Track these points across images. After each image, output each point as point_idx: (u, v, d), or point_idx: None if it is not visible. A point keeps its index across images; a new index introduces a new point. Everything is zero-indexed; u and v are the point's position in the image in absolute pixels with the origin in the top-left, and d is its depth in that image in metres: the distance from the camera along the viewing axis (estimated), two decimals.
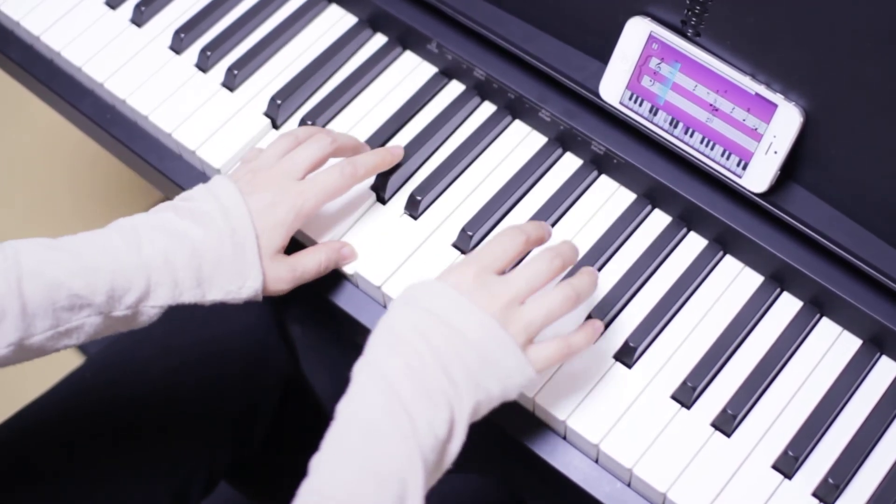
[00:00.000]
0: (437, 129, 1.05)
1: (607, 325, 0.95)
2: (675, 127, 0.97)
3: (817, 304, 0.95)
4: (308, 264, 0.96)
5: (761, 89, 0.93)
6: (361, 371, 0.82)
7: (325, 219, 1.01)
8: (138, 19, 1.14)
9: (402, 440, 0.77)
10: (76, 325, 0.88)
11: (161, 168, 1.09)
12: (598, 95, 1.00)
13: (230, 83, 1.10)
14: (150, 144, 1.10)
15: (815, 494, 0.88)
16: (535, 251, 0.92)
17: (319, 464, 0.78)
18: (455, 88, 1.08)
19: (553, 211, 1.00)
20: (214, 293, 0.91)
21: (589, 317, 0.94)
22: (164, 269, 0.89)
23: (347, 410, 0.80)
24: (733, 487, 0.88)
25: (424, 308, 0.83)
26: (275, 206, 0.93)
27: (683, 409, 0.92)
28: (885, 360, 0.93)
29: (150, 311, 0.90)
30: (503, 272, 0.87)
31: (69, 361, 1.70)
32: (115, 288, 0.88)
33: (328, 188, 0.95)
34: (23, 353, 0.87)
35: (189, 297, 0.90)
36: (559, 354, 0.86)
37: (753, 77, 0.93)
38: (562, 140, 1.04)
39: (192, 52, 1.13)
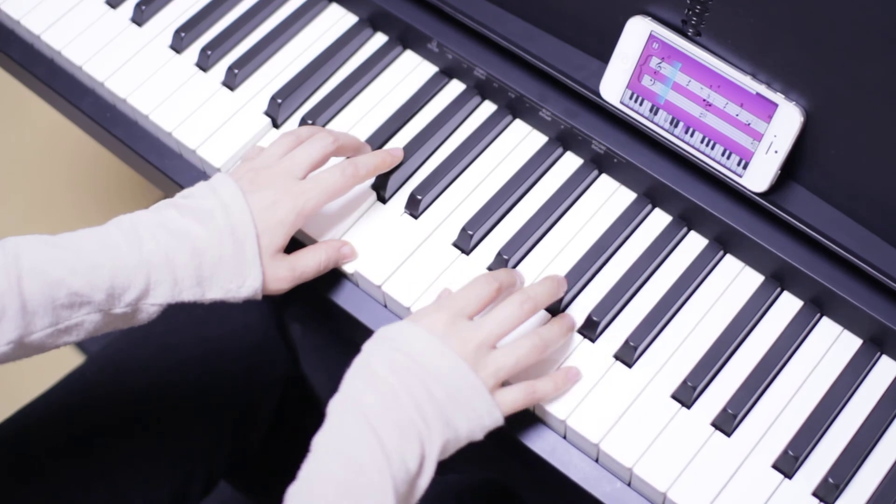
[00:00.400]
0: (438, 129, 1.05)
1: (607, 325, 0.95)
2: (676, 126, 0.97)
3: (817, 304, 0.95)
4: (308, 263, 0.96)
5: (762, 89, 0.93)
6: (338, 405, 0.83)
7: (325, 218, 1.01)
8: (139, 18, 1.14)
9: (377, 471, 0.79)
10: (76, 323, 0.88)
11: (161, 167, 1.09)
12: (598, 95, 1.00)
13: (230, 82, 1.10)
14: (151, 143, 1.10)
15: (815, 494, 0.88)
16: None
17: (296, 493, 0.79)
18: (455, 88, 1.08)
19: (553, 210, 1.00)
20: (214, 292, 0.91)
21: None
22: (164, 268, 0.89)
23: (324, 443, 0.82)
24: (733, 487, 0.88)
25: (398, 349, 0.85)
26: (276, 205, 0.93)
27: (683, 409, 0.92)
28: (885, 360, 0.93)
29: (150, 308, 0.90)
30: (473, 318, 0.89)
31: (69, 360, 1.70)
32: (114, 286, 0.87)
33: (329, 188, 0.95)
34: (22, 350, 0.87)
35: (189, 295, 0.90)
36: (524, 401, 0.89)
37: (754, 76, 0.93)
38: (562, 139, 1.04)
39: (193, 51, 1.13)
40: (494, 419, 0.87)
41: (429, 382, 0.83)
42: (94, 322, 0.89)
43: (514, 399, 0.88)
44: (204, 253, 0.90)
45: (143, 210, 0.93)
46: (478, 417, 0.85)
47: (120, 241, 0.89)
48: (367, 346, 0.87)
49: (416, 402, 0.82)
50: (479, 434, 0.86)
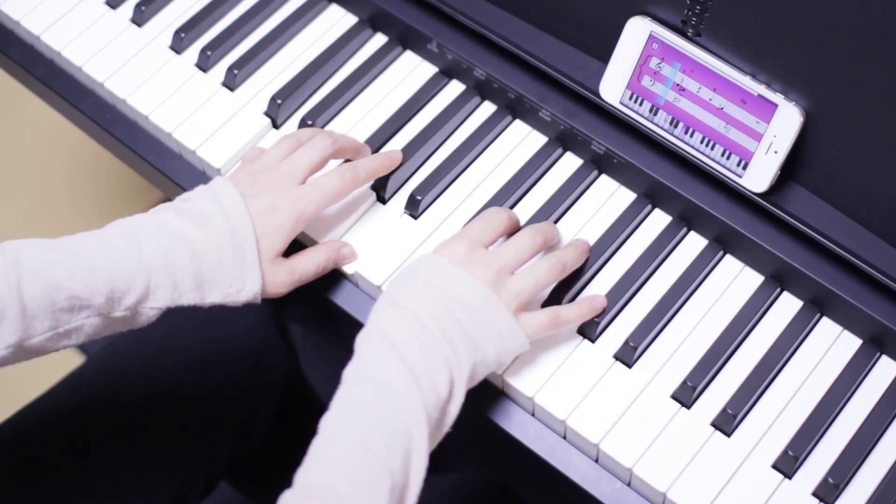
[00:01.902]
0: (438, 129, 1.05)
1: (607, 325, 0.95)
2: (676, 127, 0.97)
3: (817, 304, 0.95)
4: (307, 266, 0.96)
5: (761, 89, 0.93)
6: (364, 338, 0.85)
7: (325, 219, 1.01)
8: (139, 19, 1.14)
9: (408, 396, 0.80)
10: (75, 326, 0.88)
11: (161, 168, 1.09)
12: (598, 95, 1.00)
13: (230, 83, 1.10)
14: (151, 144, 1.10)
15: (815, 494, 0.88)
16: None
17: (329, 422, 0.80)
18: (455, 88, 1.08)
19: (553, 211, 1.00)
20: (213, 296, 0.91)
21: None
22: (164, 271, 0.89)
23: (354, 372, 0.83)
24: (733, 487, 0.88)
25: (421, 279, 0.87)
26: (276, 209, 0.93)
27: (683, 409, 0.92)
28: (885, 360, 0.93)
29: (149, 312, 0.90)
30: (489, 247, 0.92)
31: (69, 361, 1.70)
32: (114, 290, 0.88)
33: (329, 192, 0.96)
34: (22, 353, 0.87)
35: (188, 299, 0.90)
36: (549, 323, 0.91)
37: (754, 77, 0.93)
38: (562, 140, 1.04)
39: (193, 51, 1.13)
40: (520, 343, 0.88)
41: (452, 308, 0.85)
42: (93, 326, 0.89)
43: (538, 323, 0.90)
44: (203, 256, 0.90)
45: (143, 213, 0.92)
46: (503, 341, 0.87)
47: (119, 243, 0.89)
48: (390, 285, 0.89)
49: (441, 327, 0.84)
50: (506, 358, 0.88)
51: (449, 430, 0.85)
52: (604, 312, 0.95)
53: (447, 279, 0.87)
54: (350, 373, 0.83)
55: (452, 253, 0.90)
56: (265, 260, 0.93)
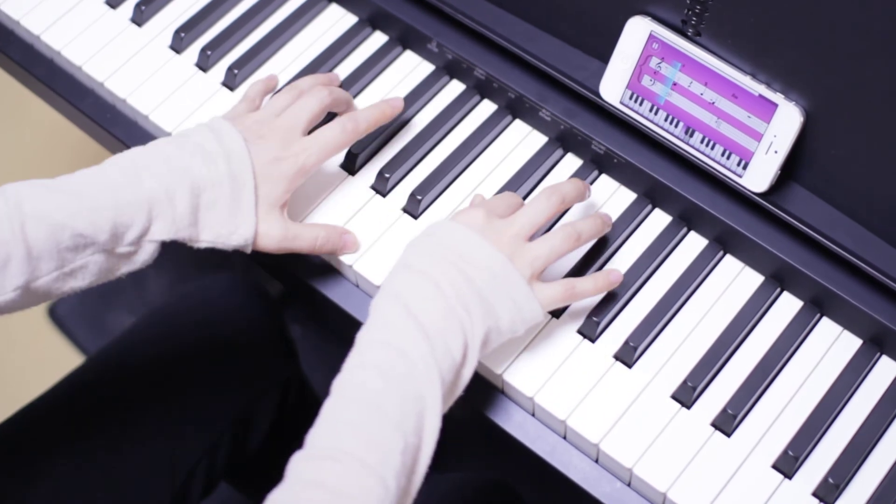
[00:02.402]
0: (438, 129, 1.05)
1: (607, 325, 0.95)
2: (676, 126, 0.97)
3: (817, 304, 0.95)
4: (303, 234, 0.96)
5: (762, 89, 0.93)
6: (379, 301, 0.85)
7: (324, 219, 1.01)
8: (138, 18, 1.14)
9: (421, 358, 0.81)
10: (80, 265, 0.89)
11: None
12: (598, 95, 1.00)
13: (230, 82, 1.10)
14: None
15: (815, 494, 0.88)
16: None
17: (342, 384, 0.81)
18: (455, 88, 1.08)
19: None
20: (206, 234, 0.92)
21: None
22: (164, 203, 0.89)
23: (367, 335, 0.83)
24: (733, 487, 0.88)
25: (436, 243, 0.87)
26: (279, 160, 0.94)
27: (683, 409, 0.92)
28: (885, 360, 0.93)
29: (150, 246, 0.91)
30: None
31: (69, 361, 1.71)
32: (117, 224, 0.88)
33: (330, 144, 0.97)
34: (28, 296, 0.88)
35: (184, 234, 0.91)
36: (563, 295, 0.91)
37: (754, 77, 0.93)
38: (562, 139, 1.04)
39: (193, 51, 1.13)
40: (534, 312, 0.88)
41: (469, 272, 0.85)
42: (97, 263, 0.89)
43: (553, 294, 0.90)
44: (202, 194, 0.91)
45: (140, 147, 0.93)
46: (518, 309, 0.87)
47: (120, 179, 0.89)
48: (405, 250, 0.89)
49: (456, 290, 0.84)
50: (520, 328, 0.88)
51: (462, 392, 0.85)
52: (604, 313, 0.95)
53: (464, 244, 0.87)
54: (364, 336, 0.83)
55: (470, 219, 0.90)
56: (262, 207, 0.93)
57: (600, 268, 0.98)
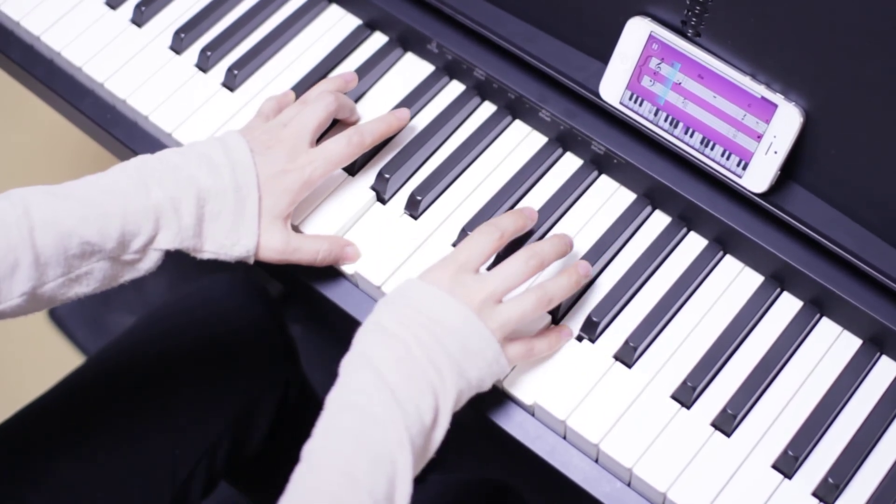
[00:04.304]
0: (438, 129, 1.05)
1: (607, 326, 0.95)
2: (676, 127, 0.97)
3: (817, 304, 0.95)
4: (304, 246, 0.96)
5: (761, 89, 0.93)
6: (350, 362, 0.84)
7: (325, 219, 1.01)
8: (138, 19, 1.14)
9: (392, 423, 0.80)
10: (86, 271, 0.89)
11: None
12: (598, 95, 1.00)
13: (230, 83, 1.10)
14: (151, 144, 1.10)
15: (815, 494, 0.88)
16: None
17: (312, 450, 0.80)
18: (455, 88, 1.08)
19: (553, 211, 1.00)
20: (209, 245, 0.92)
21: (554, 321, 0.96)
22: (170, 214, 0.90)
23: (338, 398, 0.82)
24: (733, 487, 0.88)
25: (406, 305, 0.86)
26: (285, 172, 0.95)
27: (683, 409, 0.92)
28: (885, 360, 0.94)
29: (154, 255, 0.91)
30: (478, 270, 0.91)
31: (69, 361, 1.71)
32: (125, 233, 0.89)
33: (336, 157, 0.97)
34: (34, 302, 0.88)
35: (188, 244, 0.92)
36: (524, 354, 0.91)
37: (753, 77, 0.93)
38: (562, 140, 1.04)
39: (193, 52, 1.13)
40: (502, 368, 0.88)
41: (440, 335, 0.85)
42: (102, 270, 0.90)
43: (516, 353, 0.90)
44: (206, 204, 0.91)
45: (147, 155, 0.94)
46: (487, 366, 0.87)
47: (128, 188, 0.90)
48: (377, 307, 0.88)
49: (428, 354, 0.83)
50: (487, 383, 0.88)
51: (433, 455, 0.84)
52: (604, 313, 0.95)
53: (434, 306, 0.86)
54: (334, 398, 0.83)
55: (438, 279, 0.88)
56: (265, 219, 0.94)
57: (601, 269, 0.98)
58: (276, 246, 0.94)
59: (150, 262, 0.92)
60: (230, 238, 0.92)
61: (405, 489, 0.79)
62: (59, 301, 0.90)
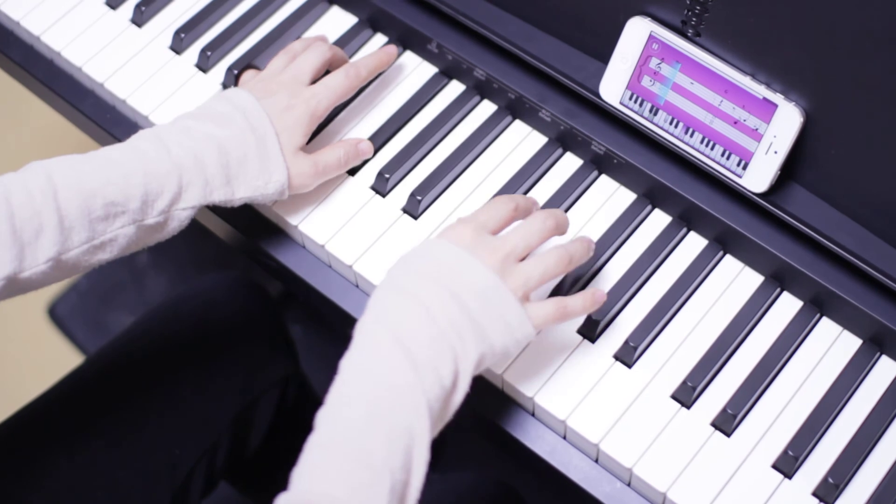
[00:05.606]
0: (438, 129, 1.05)
1: (607, 325, 0.95)
2: (676, 127, 0.97)
3: (817, 304, 0.95)
4: (329, 159, 0.99)
5: (761, 89, 0.93)
6: (365, 325, 0.82)
7: (325, 219, 1.01)
8: (138, 19, 1.14)
9: (409, 391, 0.78)
10: (110, 237, 0.89)
11: None
12: (598, 95, 1.00)
13: (230, 83, 1.10)
14: None
15: (815, 494, 0.88)
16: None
17: (325, 419, 0.78)
18: (455, 88, 1.08)
19: None
20: (243, 190, 0.94)
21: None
22: (194, 169, 0.91)
23: (352, 363, 0.81)
24: (733, 487, 0.88)
25: (425, 262, 0.84)
26: (291, 108, 0.97)
27: (683, 409, 0.92)
28: (885, 360, 0.94)
29: (181, 214, 0.92)
30: (496, 233, 0.89)
31: (69, 361, 1.71)
32: (148, 192, 0.89)
33: (337, 89, 1.00)
34: (58, 269, 0.88)
35: (219, 195, 0.93)
36: (555, 315, 0.87)
37: (754, 77, 0.93)
38: (562, 140, 1.04)
39: (193, 52, 1.13)
40: (526, 332, 0.85)
41: (460, 293, 0.82)
42: (127, 236, 0.90)
43: (545, 313, 0.87)
44: (230, 152, 0.92)
45: (159, 125, 0.95)
46: (510, 330, 0.84)
47: (148, 149, 0.91)
48: (393, 268, 0.86)
49: (449, 316, 0.81)
50: (513, 349, 0.85)
51: (451, 417, 0.82)
52: (604, 312, 0.95)
53: (455, 263, 0.84)
54: (348, 364, 0.81)
55: (459, 237, 0.86)
56: (287, 153, 0.96)
57: (601, 268, 0.98)
58: (307, 170, 0.97)
59: (178, 223, 0.92)
60: (262, 178, 0.94)
61: (422, 457, 0.77)
62: (83, 269, 0.91)
